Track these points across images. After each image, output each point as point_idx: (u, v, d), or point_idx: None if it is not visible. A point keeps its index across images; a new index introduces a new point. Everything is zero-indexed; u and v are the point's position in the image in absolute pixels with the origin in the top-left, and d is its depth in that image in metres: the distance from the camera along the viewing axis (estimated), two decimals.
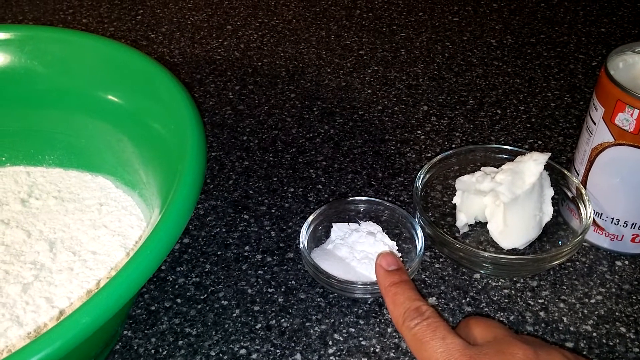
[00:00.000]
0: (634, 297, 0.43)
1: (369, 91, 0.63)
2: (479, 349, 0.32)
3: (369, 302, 0.43)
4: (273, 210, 0.50)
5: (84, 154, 0.48)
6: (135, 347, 0.40)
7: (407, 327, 0.33)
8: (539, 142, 0.57)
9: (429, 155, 0.55)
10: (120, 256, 0.42)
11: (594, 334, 0.41)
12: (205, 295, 0.44)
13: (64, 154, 0.49)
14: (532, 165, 0.44)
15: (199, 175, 0.34)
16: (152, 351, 0.40)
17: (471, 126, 0.59)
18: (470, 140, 0.57)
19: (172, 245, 0.31)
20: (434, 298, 0.43)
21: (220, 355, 0.40)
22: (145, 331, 0.41)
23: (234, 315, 0.42)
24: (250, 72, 0.66)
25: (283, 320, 0.42)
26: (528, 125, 0.59)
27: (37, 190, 0.47)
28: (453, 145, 0.56)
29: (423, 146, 0.56)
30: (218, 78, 0.66)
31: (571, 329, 0.41)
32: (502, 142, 0.57)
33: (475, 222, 0.48)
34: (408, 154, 0.55)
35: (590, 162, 0.44)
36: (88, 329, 0.27)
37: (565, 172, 0.47)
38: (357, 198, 0.48)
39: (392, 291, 0.36)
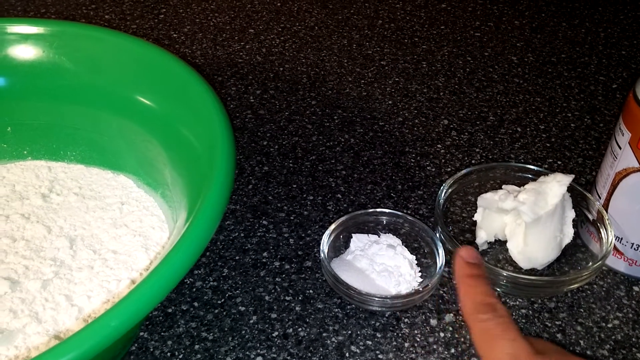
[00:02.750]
0: None
1: (390, 102, 0.63)
2: (545, 356, 0.31)
3: (386, 315, 0.43)
4: (292, 217, 0.50)
5: (106, 151, 0.48)
6: (152, 349, 0.40)
7: (478, 319, 0.32)
8: (559, 162, 0.57)
9: (449, 169, 0.55)
10: (141, 257, 0.41)
11: (610, 359, 0.41)
12: (223, 300, 0.44)
13: (86, 150, 0.49)
14: (556, 187, 0.44)
15: (228, 183, 0.34)
16: (168, 354, 0.40)
17: (491, 142, 0.59)
18: (490, 157, 0.57)
19: (202, 251, 0.31)
20: (452, 314, 0.43)
21: None
22: (162, 333, 0.41)
23: (251, 321, 0.42)
24: (272, 77, 0.66)
25: (300, 329, 0.42)
26: (548, 145, 0.59)
27: (58, 186, 0.47)
28: (473, 161, 0.56)
29: (443, 160, 0.56)
30: (239, 81, 0.66)
31: (588, 352, 0.41)
32: (522, 161, 0.57)
33: (495, 239, 0.48)
34: (428, 168, 0.55)
35: (614, 186, 0.44)
36: (117, 332, 0.27)
37: (587, 194, 0.47)
38: (378, 210, 0.48)
39: (468, 282, 0.34)
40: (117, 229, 0.44)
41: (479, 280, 0.35)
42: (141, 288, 0.28)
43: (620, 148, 0.43)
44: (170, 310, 0.43)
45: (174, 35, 0.73)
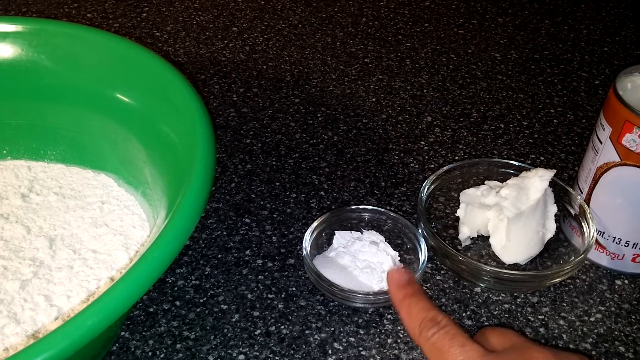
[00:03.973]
0: (633, 317, 0.43)
1: (374, 99, 0.63)
2: (498, 355, 0.31)
3: (369, 312, 0.43)
4: (275, 215, 0.50)
5: (87, 150, 0.48)
6: (133, 349, 0.40)
7: (425, 338, 0.33)
8: (542, 158, 0.57)
9: (432, 166, 0.55)
10: (121, 256, 0.41)
11: (593, 353, 0.41)
12: (205, 299, 0.43)
13: (67, 149, 0.48)
14: (537, 182, 0.44)
15: (207, 181, 0.34)
16: (150, 354, 0.40)
17: (474, 139, 0.59)
18: (473, 153, 0.57)
19: (180, 248, 0.31)
20: None
21: None
22: (143, 333, 0.41)
23: (234, 320, 0.42)
24: (255, 75, 0.66)
25: (283, 327, 0.42)
26: (531, 141, 0.59)
27: (37, 186, 0.47)
28: (456, 158, 0.56)
29: (426, 157, 0.56)
30: (222, 80, 0.65)
31: (571, 346, 0.41)
32: (505, 157, 0.57)
33: (478, 235, 0.48)
34: (411, 164, 0.55)
35: (595, 181, 0.44)
36: (94, 331, 0.27)
37: (569, 189, 0.47)
38: (360, 206, 0.48)
39: (405, 303, 0.35)
40: (97, 229, 0.43)
41: (414, 297, 0.35)
42: (117, 287, 0.28)
43: (601, 143, 0.43)
44: (151, 310, 0.42)
45: (157, 33, 0.73)
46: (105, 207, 0.45)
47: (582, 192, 0.46)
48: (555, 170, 0.45)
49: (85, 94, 0.45)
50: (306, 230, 0.45)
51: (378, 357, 0.40)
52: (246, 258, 0.46)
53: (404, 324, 0.36)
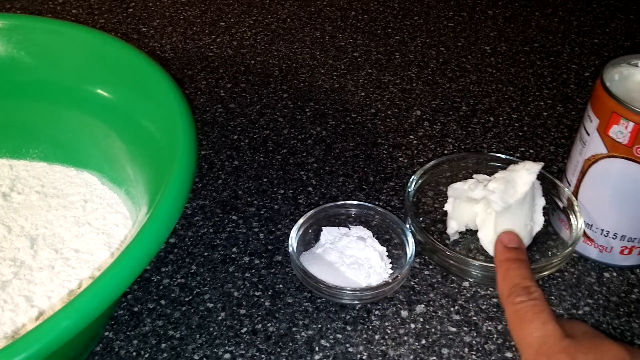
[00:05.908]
0: (621, 310, 0.43)
1: (362, 94, 0.63)
2: (574, 341, 0.31)
3: (356, 308, 0.42)
4: (262, 212, 0.49)
5: (69, 148, 0.47)
6: (117, 349, 0.39)
7: (511, 302, 0.33)
8: (531, 151, 0.56)
9: (421, 160, 0.55)
10: (104, 255, 0.40)
11: None
12: (190, 297, 0.43)
13: (49, 148, 0.48)
14: (525, 175, 0.44)
15: (189, 176, 0.33)
16: (134, 354, 0.39)
17: (464, 132, 0.58)
18: (463, 147, 0.56)
19: (159, 247, 0.30)
20: (423, 305, 0.43)
21: (204, 359, 0.39)
22: (127, 333, 0.40)
23: (219, 318, 0.41)
24: (243, 70, 0.65)
25: (269, 324, 0.41)
26: (520, 134, 0.58)
27: (19, 185, 0.46)
28: (445, 151, 0.56)
29: (415, 151, 0.56)
30: (210, 75, 0.65)
31: None
32: (494, 150, 0.56)
33: (466, 229, 0.47)
34: (400, 159, 0.55)
35: (583, 173, 0.44)
36: (68, 333, 0.26)
37: (557, 182, 0.47)
38: (348, 202, 0.47)
39: (505, 265, 0.36)
40: (79, 227, 0.43)
41: (516, 263, 0.36)
42: (93, 287, 0.27)
43: (588, 135, 0.43)
44: (136, 309, 0.42)
45: (143, 29, 0.72)
46: (88, 205, 0.44)
47: (570, 185, 0.46)
48: (542, 163, 0.45)
49: (66, 90, 0.44)
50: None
51: (365, 354, 0.40)
52: (233, 255, 0.46)
53: (496, 283, 0.36)
